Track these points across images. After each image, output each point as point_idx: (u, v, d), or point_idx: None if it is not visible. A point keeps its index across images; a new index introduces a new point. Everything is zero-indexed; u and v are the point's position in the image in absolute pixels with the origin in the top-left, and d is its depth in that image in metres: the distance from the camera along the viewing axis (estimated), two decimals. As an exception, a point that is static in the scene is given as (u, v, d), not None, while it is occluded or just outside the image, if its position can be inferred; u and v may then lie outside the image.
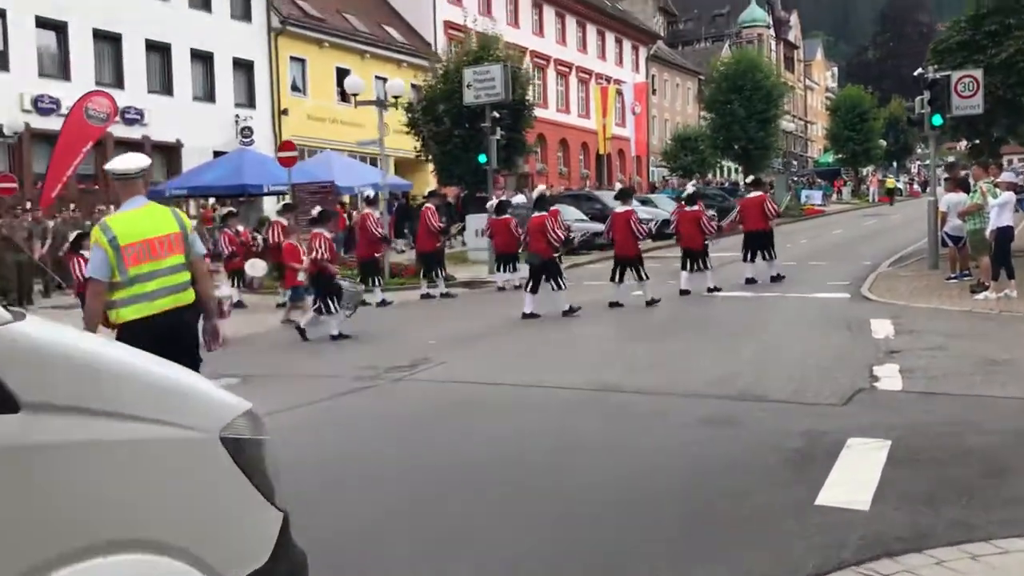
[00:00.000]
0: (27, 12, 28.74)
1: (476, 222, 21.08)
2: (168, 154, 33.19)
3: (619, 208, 14.37)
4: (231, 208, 21.00)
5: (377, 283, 15.42)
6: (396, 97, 18.73)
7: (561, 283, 13.12)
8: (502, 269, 17.70)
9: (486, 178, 22.60)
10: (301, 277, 13.72)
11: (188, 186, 27.05)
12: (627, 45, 60.23)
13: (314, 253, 12.14)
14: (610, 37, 58.20)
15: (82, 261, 12.01)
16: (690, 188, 18.51)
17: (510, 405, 7.59)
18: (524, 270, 17.84)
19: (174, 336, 5.41)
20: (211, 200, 30.63)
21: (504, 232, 17.73)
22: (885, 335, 10.47)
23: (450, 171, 24.26)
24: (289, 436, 6.89)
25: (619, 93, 49.49)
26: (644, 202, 33.00)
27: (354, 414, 7.59)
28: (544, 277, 13.08)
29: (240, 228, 16.98)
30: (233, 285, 15.86)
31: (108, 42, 31.14)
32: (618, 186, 14.82)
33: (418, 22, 44.01)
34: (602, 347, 10.35)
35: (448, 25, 43.00)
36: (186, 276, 5.55)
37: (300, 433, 6.91)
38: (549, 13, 52.23)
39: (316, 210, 13.40)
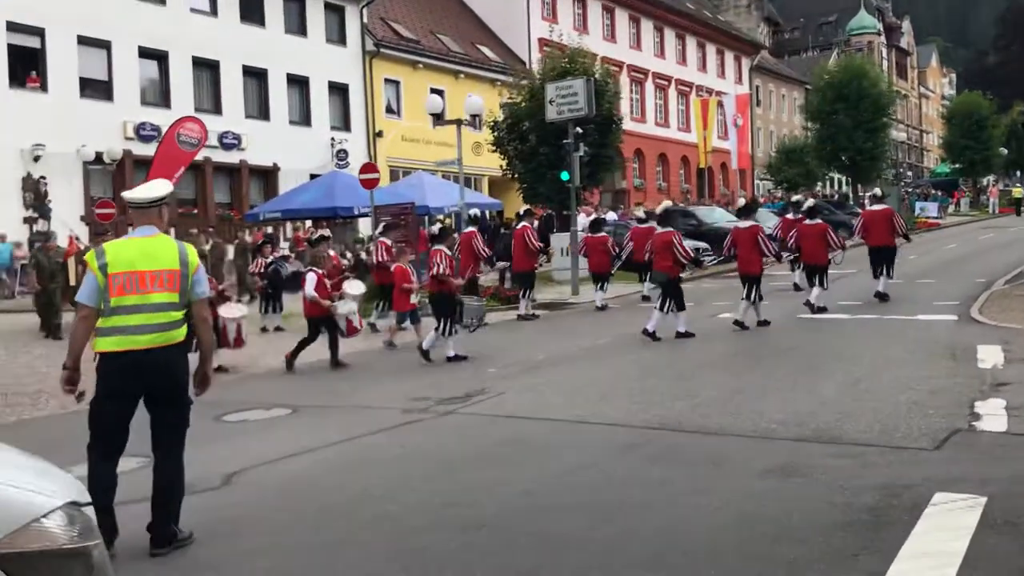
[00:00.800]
0: (131, 43, 29.66)
1: (561, 241, 20.46)
2: (265, 178, 33.75)
3: (742, 224, 13.58)
4: (323, 232, 20.96)
5: None
6: (475, 116, 18.31)
7: (681, 304, 12.49)
8: (596, 287, 17.27)
9: (572, 196, 22.00)
10: (414, 299, 13.53)
11: (281, 209, 27.25)
12: (729, 56, 58.80)
13: (435, 269, 11.74)
14: (711, 48, 56.92)
15: (262, 261, 12.07)
16: (810, 201, 17.84)
17: (555, 445, 6.93)
18: (612, 290, 17.48)
19: (159, 374, 5.11)
20: (308, 223, 30.95)
21: (599, 251, 17.25)
22: (993, 364, 9.38)
23: (535, 189, 23.72)
24: (314, 477, 6.45)
25: (720, 105, 48.19)
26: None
27: (391, 453, 7.07)
28: (665, 297, 12.50)
29: (331, 252, 16.53)
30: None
31: (206, 69, 31.87)
32: (741, 201, 14.07)
33: (513, 41, 43.86)
34: (671, 378, 9.57)
35: (543, 42, 42.61)
36: (177, 316, 5.15)
37: (327, 474, 6.47)
38: (647, 26, 51.39)
39: (436, 227, 13.04)
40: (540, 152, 23.10)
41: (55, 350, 14.83)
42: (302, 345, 12.07)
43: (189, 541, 5.16)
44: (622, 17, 49.55)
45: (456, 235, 15.28)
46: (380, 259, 15.59)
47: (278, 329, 16.59)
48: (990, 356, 9.76)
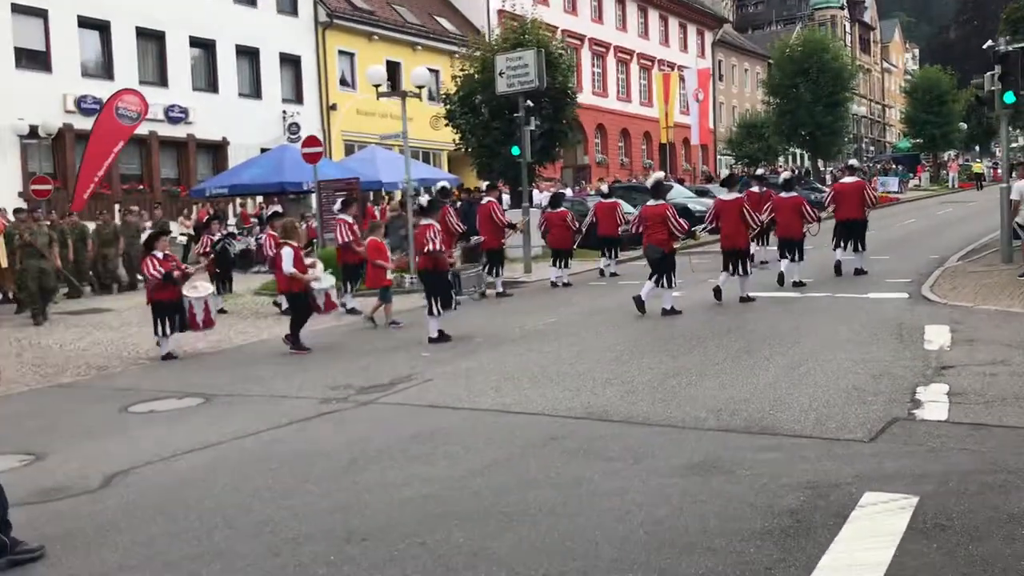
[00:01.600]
0: (69, 12, 28.56)
1: (513, 217, 19.98)
2: (214, 152, 32.83)
3: (726, 196, 13.13)
4: (277, 208, 20.21)
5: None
6: (419, 87, 17.68)
7: (672, 280, 12.11)
8: (557, 265, 16.98)
9: (529, 172, 21.46)
10: (390, 276, 13.25)
11: (228, 184, 26.45)
12: (691, 30, 58.31)
13: (429, 245, 11.12)
14: (673, 22, 56.39)
15: (155, 262, 11.28)
16: (786, 173, 17.54)
17: (470, 440, 6.46)
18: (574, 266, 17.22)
19: None
20: (258, 199, 30.15)
21: (560, 226, 16.90)
22: (939, 346, 9.05)
23: (489, 165, 23.14)
24: (207, 477, 5.93)
25: (682, 80, 47.77)
26: (702, 192, 31.48)
27: (295, 449, 6.56)
28: (658, 272, 12.08)
29: (311, 223, 15.80)
30: (347, 290, 14.74)
31: (151, 40, 30.84)
32: (652, 177, 13.57)
33: (471, 12, 43.06)
34: (607, 361, 9.14)
35: (501, 14, 41.85)
36: None
37: (221, 474, 5.96)
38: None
39: (424, 199, 12.28)
40: (493, 126, 22.52)
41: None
42: (295, 322, 11.42)
43: (33, 555, 4.58)
44: (584, -11, 48.86)
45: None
46: (344, 238, 14.78)
47: (221, 311, 15.41)
48: (937, 337, 9.43)
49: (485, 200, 16.82)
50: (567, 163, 47.25)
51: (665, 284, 12.05)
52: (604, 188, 20.22)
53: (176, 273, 11.52)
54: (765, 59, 60.97)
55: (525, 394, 7.85)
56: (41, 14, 28.02)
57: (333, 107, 36.04)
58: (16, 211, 18.41)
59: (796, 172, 41.75)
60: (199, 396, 8.93)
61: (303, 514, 5.02)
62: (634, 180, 35.16)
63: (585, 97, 48.27)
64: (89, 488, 5.84)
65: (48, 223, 18.00)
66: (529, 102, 18.88)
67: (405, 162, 17.28)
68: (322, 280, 12.00)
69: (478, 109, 22.79)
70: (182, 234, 25.87)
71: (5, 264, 16.17)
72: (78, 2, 28.58)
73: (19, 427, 8.13)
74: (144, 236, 16.47)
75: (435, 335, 11.07)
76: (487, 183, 18.46)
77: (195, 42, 31.99)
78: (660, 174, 14.32)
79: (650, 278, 12.25)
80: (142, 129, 29.78)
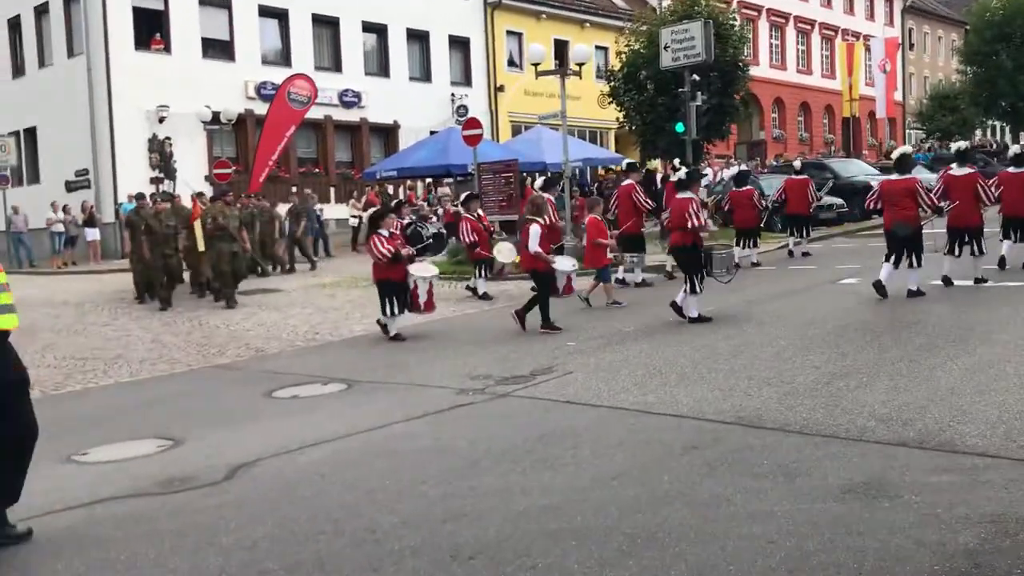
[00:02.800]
0: (251, 2, 29.78)
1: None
2: (386, 135, 33.55)
3: (895, 177, 11.98)
4: (471, 191, 20.17)
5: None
6: (580, 64, 17.14)
7: (921, 260, 11.34)
8: (742, 245, 16.17)
9: (694, 149, 20.61)
10: (610, 255, 13.05)
11: (396, 167, 26.88)
12: (879, -3, 54.82)
13: (691, 220, 10.62)
14: (859, -11, 53.18)
15: (382, 240, 10.94)
16: (961, 143, 15.66)
17: (604, 442, 5.97)
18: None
19: None
20: (427, 180, 30.54)
21: (746, 205, 16.18)
22: None
23: (653, 143, 22.37)
24: (327, 472, 5.74)
25: (867, 50, 45.01)
26: (884, 170, 29.37)
27: (421, 445, 6.28)
28: (906, 249, 11.30)
29: (480, 212, 15.22)
30: (479, 275, 14.72)
31: (326, 27, 31.75)
32: (897, 150, 12.37)
33: (644, -13, 41.92)
34: (768, 357, 8.39)
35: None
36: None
37: (342, 469, 5.80)
38: (788, -32, 48.35)
39: (682, 172, 11.77)
40: (658, 103, 21.73)
41: (153, 318, 14.84)
42: (534, 302, 11.09)
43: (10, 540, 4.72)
44: (761, -42, 46.76)
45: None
46: (470, 239, 14.39)
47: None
48: None
49: (625, 182, 15.66)
50: (741, 139, 45.51)
51: (915, 263, 11.26)
52: (797, 164, 18.93)
53: (405, 251, 11.23)
54: (962, 25, 56.52)
55: (671, 392, 7.27)
56: (226, 5, 29.37)
57: (501, 88, 36.06)
58: (199, 195, 18.91)
59: (993, 146, 38.43)
60: (343, 382, 8.85)
61: (412, 522, 4.69)
62: (819, 157, 33.19)
63: (762, 70, 46.31)
64: (213, 480, 5.75)
65: (239, 206, 18.41)
66: (695, 76, 18.00)
67: (563, 141, 16.83)
68: (564, 262, 11.55)
69: (643, 85, 22.04)
70: (352, 216, 26.52)
71: (202, 248, 16.07)
72: (258, -8, 29.77)
73: (169, 408, 8.29)
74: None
75: (695, 315, 10.57)
76: (628, 162, 17.49)
77: (367, 27, 32.72)
78: (907, 148, 13.28)
79: (887, 259, 11.40)
80: (317, 113, 30.86)
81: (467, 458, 5.83)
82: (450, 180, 26.35)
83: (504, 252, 14.02)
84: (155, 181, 27.04)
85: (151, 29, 27.89)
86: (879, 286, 11.21)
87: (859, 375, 7.41)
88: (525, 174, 25.07)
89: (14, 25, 31.06)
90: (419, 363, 9.53)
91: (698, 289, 10.66)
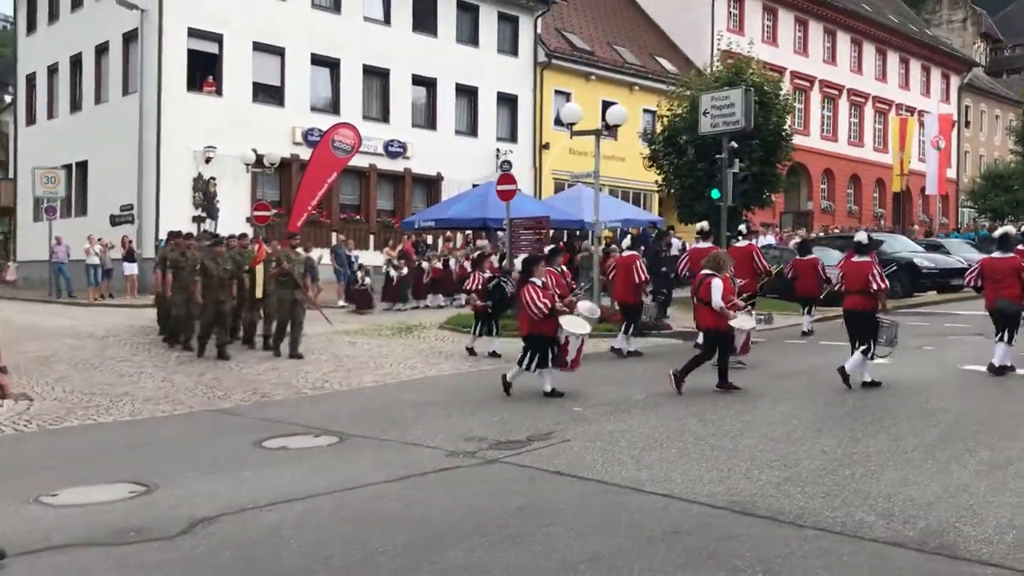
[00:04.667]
0: (304, 51, 30.28)
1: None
2: (429, 187, 33.68)
3: (997, 255, 11.64)
4: (484, 248, 19.93)
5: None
6: (615, 126, 17.01)
7: (1014, 337, 11.21)
8: (808, 312, 16.37)
9: (731, 216, 20.26)
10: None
11: (435, 218, 26.86)
12: (936, 73, 54.38)
13: (875, 283, 10.39)
14: (915, 65, 52.80)
15: (536, 292, 10.11)
16: (1008, 228, 15.22)
17: (582, 521, 5.64)
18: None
19: None
20: (468, 232, 30.52)
21: (809, 274, 16.16)
22: None
23: (691, 208, 22.08)
24: (285, 535, 5.47)
25: (921, 125, 44.49)
26: (934, 247, 28.70)
27: (389, 511, 5.99)
28: (1007, 328, 11.20)
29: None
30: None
31: (376, 77, 32.13)
32: (1000, 229, 12.26)
33: (694, 53, 42.02)
34: (777, 438, 8.00)
35: (725, 55, 40.78)
36: None
37: (300, 533, 5.51)
38: (843, 40, 48.23)
39: (862, 235, 11.42)
40: (698, 168, 21.49)
41: (170, 356, 14.75)
42: (697, 362, 10.62)
43: None
44: (816, 30, 46.67)
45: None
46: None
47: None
48: None
49: (744, 243, 15.40)
50: (788, 208, 45.05)
51: (1008, 339, 11.12)
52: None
53: (560, 304, 10.40)
54: (1019, 105, 55.83)
55: (666, 469, 6.91)
56: (279, 52, 29.86)
57: (546, 146, 36.13)
58: (230, 237, 18.29)
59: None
60: (336, 435, 8.63)
61: (356, 597, 4.41)
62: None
63: (813, 140, 46.02)
64: (168, 533, 5.51)
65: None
66: (734, 143, 17.76)
67: (594, 200, 16.65)
68: (747, 321, 11.31)
69: (683, 150, 21.84)
70: (387, 263, 26.50)
71: (260, 294, 14.90)
72: (312, 41, 30.26)
73: (155, 452, 8.12)
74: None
75: (870, 380, 10.42)
76: (745, 226, 16.62)
77: (417, 80, 33.05)
78: (1011, 228, 13.17)
79: (998, 336, 11.27)
80: (362, 161, 31.16)
81: (436, 528, 5.53)
82: (500, 234, 26.23)
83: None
84: (197, 220, 27.37)
85: (205, 71, 28.43)
86: (1001, 369, 11.08)
87: (868, 463, 6.99)
88: (576, 232, 24.77)
89: (75, 62, 31.93)
90: (419, 419, 9.27)
91: (873, 355, 10.42)
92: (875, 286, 10.48)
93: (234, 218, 26.72)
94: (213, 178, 28.08)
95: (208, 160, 27.97)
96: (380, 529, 5.56)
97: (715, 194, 17.96)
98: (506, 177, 18.69)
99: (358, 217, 31.98)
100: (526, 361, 10.30)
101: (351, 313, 20.09)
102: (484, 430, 8.53)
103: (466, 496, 6.28)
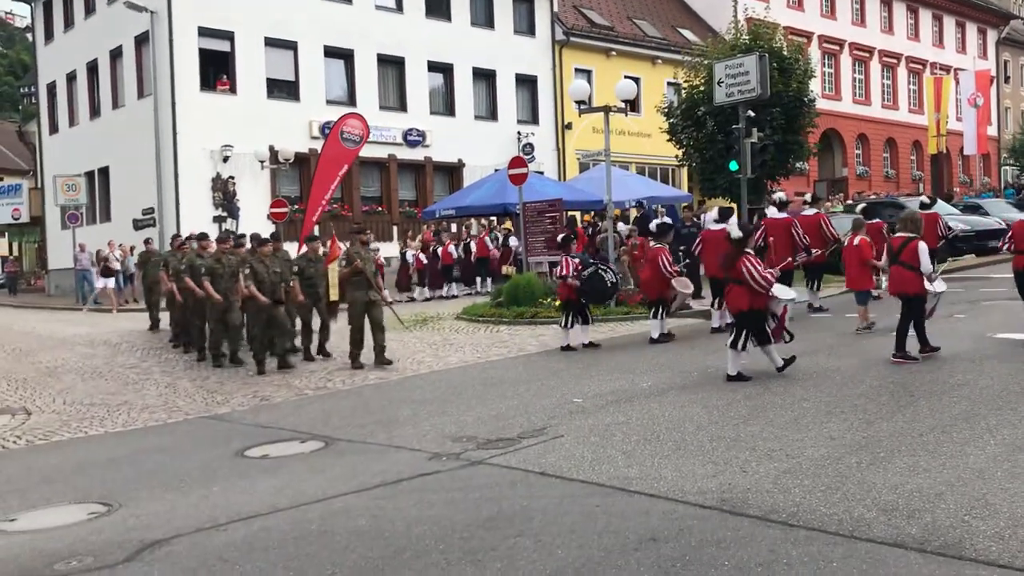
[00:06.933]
0: (317, 43, 29.96)
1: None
2: (450, 174, 33.27)
3: None
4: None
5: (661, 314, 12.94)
6: (626, 101, 16.42)
7: None
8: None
9: (754, 188, 19.64)
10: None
11: (455, 206, 26.50)
12: (971, 29, 52.71)
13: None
14: (949, 21, 51.20)
15: (756, 263, 9.44)
16: None
17: (554, 530, 5.19)
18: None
19: None
20: (493, 219, 30.08)
21: (876, 240, 15.33)
22: None
23: (712, 181, 21.42)
24: (236, 557, 5.11)
25: (957, 83, 43.10)
26: (972, 208, 27.67)
27: (352, 527, 5.59)
28: None
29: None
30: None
31: (392, 66, 31.74)
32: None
33: (718, 22, 41.03)
34: (782, 424, 7.47)
35: (751, 22, 39.78)
36: None
37: (253, 554, 5.15)
38: (872, 1, 46.81)
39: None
40: (718, 140, 20.82)
41: (178, 362, 14.52)
42: (902, 331, 10.00)
43: None
44: (844, -8, 45.40)
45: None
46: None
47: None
48: None
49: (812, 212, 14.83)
50: (822, 176, 43.99)
51: None
52: (925, 200, 17.15)
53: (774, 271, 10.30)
54: (1063, 56, 54.01)
55: (657, 465, 6.43)
56: (291, 46, 29.58)
57: (568, 126, 35.51)
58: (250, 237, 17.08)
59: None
60: (323, 439, 8.28)
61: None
62: (892, 195, 31.60)
63: (845, 105, 44.87)
64: (109, 561, 5.18)
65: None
66: (751, 112, 17.09)
67: (606, 179, 16.10)
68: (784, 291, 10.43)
69: (702, 122, 21.16)
70: (404, 250, 26.19)
71: (335, 297, 13.46)
72: (325, 33, 29.93)
73: (130, 468, 7.83)
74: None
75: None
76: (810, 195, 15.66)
77: (433, 67, 32.60)
78: None
79: None
80: (381, 152, 30.88)
81: (394, 546, 5.12)
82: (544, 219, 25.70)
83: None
84: (217, 220, 27.26)
85: (218, 70, 28.24)
86: None
87: (877, 449, 6.45)
88: (653, 206, 23.98)
89: (92, 68, 31.96)
90: (411, 418, 8.88)
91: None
92: None
93: (255, 216, 26.51)
94: (232, 177, 27.94)
95: (226, 159, 27.83)
96: (335, 548, 5.16)
97: (733, 166, 17.33)
98: (517, 160, 18.22)
99: (380, 209, 31.68)
100: (741, 341, 9.36)
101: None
102: (476, 428, 8.11)
103: (436, 506, 5.86)
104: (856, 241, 12.55)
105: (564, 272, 13.04)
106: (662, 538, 4.95)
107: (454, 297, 22.89)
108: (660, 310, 12.98)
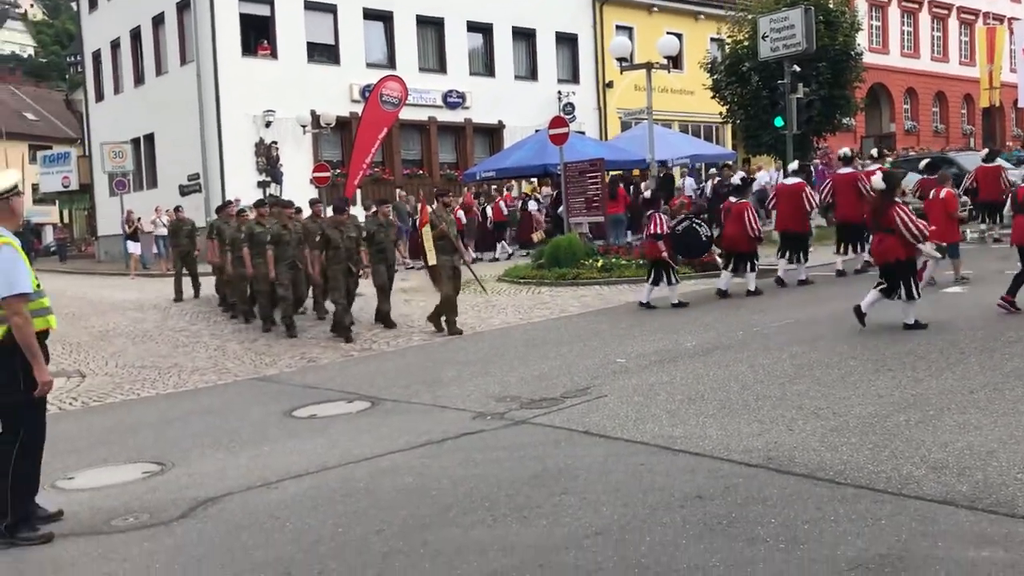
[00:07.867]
0: (356, 6, 29.89)
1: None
2: (490, 136, 33.14)
3: None
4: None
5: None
6: (667, 58, 16.18)
7: None
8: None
9: (800, 145, 19.31)
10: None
11: (495, 168, 26.42)
12: (1027, -25, 50.90)
13: None
14: (1003, -32, 49.51)
15: (907, 212, 9.23)
16: None
17: (599, 487, 5.22)
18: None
19: None
20: (534, 180, 29.98)
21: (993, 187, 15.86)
22: None
23: (757, 139, 21.11)
24: (287, 514, 5.21)
25: (1011, 33, 41.78)
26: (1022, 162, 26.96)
27: (398, 484, 5.67)
28: None
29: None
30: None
31: (431, 27, 31.57)
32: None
33: (763, -25, 40.10)
34: (830, 381, 7.40)
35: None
36: None
37: (304, 512, 5.28)
38: (922, -51, 45.48)
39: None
40: (762, 95, 20.47)
41: (226, 324, 14.72)
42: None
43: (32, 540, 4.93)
44: (892, -59, 44.12)
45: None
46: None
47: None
48: None
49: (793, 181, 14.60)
50: (869, 132, 43.11)
51: None
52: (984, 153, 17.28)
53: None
54: (1123, 3, 51.97)
55: (702, 424, 6.42)
56: (331, 9, 29.53)
57: (610, 84, 35.13)
58: (274, 203, 16.94)
59: None
60: (369, 399, 8.38)
61: (337, 586, 4.10)
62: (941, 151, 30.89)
63: (892, 58, 43.81)
64: (166, 518, 5.31)
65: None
66: (796, 67, 16.76)
67: (649, 138, 15.94)
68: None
69: (746, 78, 20.81)
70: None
71: (433, 261, 12.31)
72: (363, -5, 29.82)
73: (182, 427, 7.99)
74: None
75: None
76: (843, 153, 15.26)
77: (472, 27, 32.36)
78: None
79: None
80: (421, 115, 30.82)
81: (440, 503, 5.18)
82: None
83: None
84: (262, 184, 27.48)
85: (258, 35, 28.31)
86: None
87: (926, 407, 6.38)
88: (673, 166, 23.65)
89: (135, 36, 32.19)
90: (455, 379, 8.95)
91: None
92: None
93: (298, 182, 26.68)
94: (275, 142, 28.08)
95: (268, 124, 27.98)
96: (382, 506, 5.25)
97: (778, 122, 17.05)
98: (558, 120, 18.09)
99: (421, 172, 31.69)
100: (903, 292, 9.21)
101: (410, 270, 19.81)
102: (520, 388, 8.15)
103: (481, 464, 5.92)
104: (942, 194, 12.21)
105: (655, 230, 12.78)
106: (708, 496, 4.96)
107: (508, 257, 22.81)
108: (747, 265, 12.94)
